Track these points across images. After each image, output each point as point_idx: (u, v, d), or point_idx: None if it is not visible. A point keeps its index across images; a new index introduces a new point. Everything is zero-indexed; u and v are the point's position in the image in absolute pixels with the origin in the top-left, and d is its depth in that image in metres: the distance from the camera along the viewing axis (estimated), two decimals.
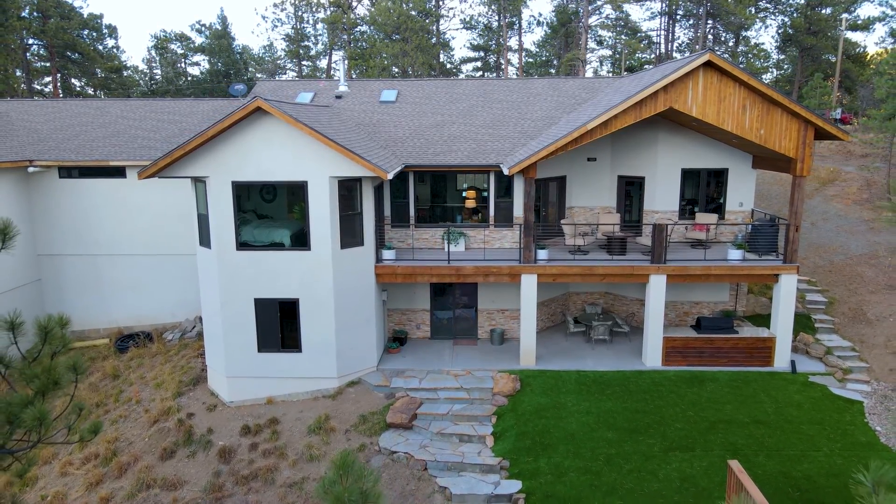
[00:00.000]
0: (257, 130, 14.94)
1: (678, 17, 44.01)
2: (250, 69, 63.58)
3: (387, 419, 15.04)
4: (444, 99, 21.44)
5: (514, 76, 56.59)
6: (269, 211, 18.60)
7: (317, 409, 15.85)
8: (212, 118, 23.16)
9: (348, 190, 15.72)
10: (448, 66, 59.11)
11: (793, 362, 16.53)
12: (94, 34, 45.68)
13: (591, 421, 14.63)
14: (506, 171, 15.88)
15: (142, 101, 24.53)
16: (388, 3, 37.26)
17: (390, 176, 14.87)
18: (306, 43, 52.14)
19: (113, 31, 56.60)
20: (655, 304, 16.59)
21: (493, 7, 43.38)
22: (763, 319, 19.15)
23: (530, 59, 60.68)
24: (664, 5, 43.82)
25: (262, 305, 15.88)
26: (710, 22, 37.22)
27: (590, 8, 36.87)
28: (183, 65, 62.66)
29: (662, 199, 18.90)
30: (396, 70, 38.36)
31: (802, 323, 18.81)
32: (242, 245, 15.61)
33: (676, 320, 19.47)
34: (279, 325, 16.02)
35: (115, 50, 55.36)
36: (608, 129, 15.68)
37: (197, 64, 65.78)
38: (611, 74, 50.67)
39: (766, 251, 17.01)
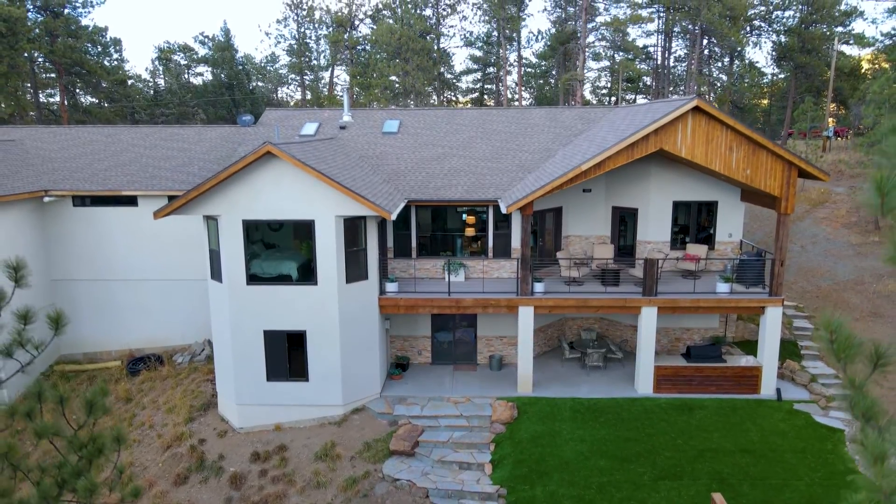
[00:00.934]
0: (267, 172, 15.70)
1: (675, 32, 44.80)
2: (253, 80, 64.41)
3: (390, 446, 15.78)
4: (445, 130, 22.19)
5: (513, 86, 57.43)
6: (276, 239, 19.31)
7: (323, 435, 16.59)
8: (219, 146, 23.94)
9: (353, 227, 16.48)
10: (448, 76, 60.01)
11: (778, 390, 17.28)
12: (100, 49, 46.38)
13: (584, 449, 15.37)
14: (504, 210, 16.64)
15: (151, 129, 25.28)
16: (389, 24, 38.06)
17: (393, 217, 15.64)
18: (309, 54, 52.86)
19: (117, 43, 57.44)
20: (647, 335, 17.33)
21: (492, 24, 44.16)
22: (752, 345, 19.89)
23: (530, 70, 61.54)
24: (661, 23, 44.60)
25: (270, 337, 16.63)
26: (705, 39, 37.96)
27: (588, 27, 37.64)
28: (186, 75, 63.41)
29: (655, 230, 19.65)
30: (397, 84, 39.12)
31: (789, 349, 19.56)
32: (252, 279, 16.37)
33: (668, 346, 20.22)
34: (287, 355, 16.77)
35: (119, 62, 56.16)
36: (602, 170, 16.44)
37: (200, 75, 66.61)
38: (609, 86, 51.34)
39: (753, 283, 17.76)
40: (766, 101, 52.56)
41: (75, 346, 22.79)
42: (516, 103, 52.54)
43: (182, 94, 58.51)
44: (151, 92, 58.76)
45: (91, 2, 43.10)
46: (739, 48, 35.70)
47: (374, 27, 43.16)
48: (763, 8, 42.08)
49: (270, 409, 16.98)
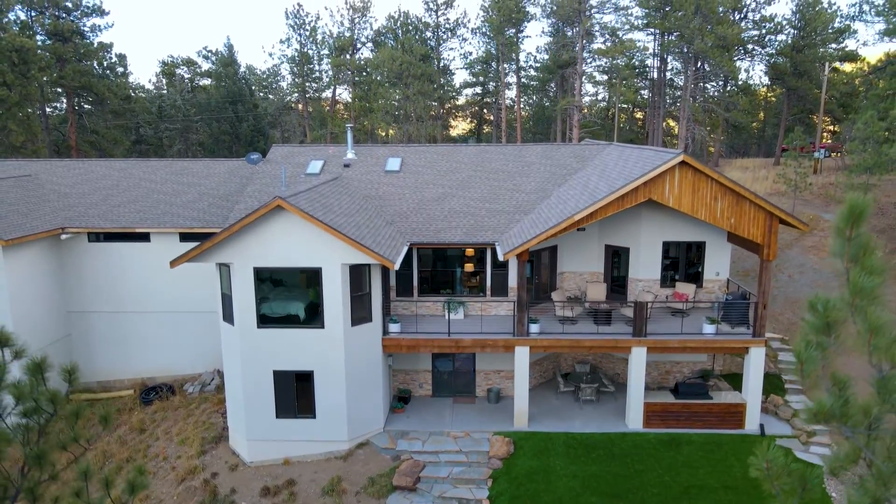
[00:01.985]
0: (277, 222, 16.62)
1: (670, 52, 45.72)
2: (256, 93, 65.30)
3: (393, 482, 16.69)
4: (445, 168, 23.10)
5: (511, 101, 58.34)
6: (285, 277, 20.19)
7: (329, 470, 17.50)
8: (228, 181, 24.87)
9: (358, 273, 17.40)
10: (447, 88, 60.97)
11: (762, 426, 18.19)
12: (106, 66, 47.19)
13: (577, 485, 16.29)
14: (501, 258, 17.56)
15: (161, 163, 26.19)
16: (390, 49, 38.99)
17: (396, 266, 16.58)
18: (311, 72, 53.74)
19: (122, 59, 58.31)
20: (637, 373, 18.25)
21: (492, 45, 45.07)
22: (739, 377, 20.73)
23: (530, 82, 62.48)
24: (656, 44, 45.51)
25: (280, 376, 17.55)
26: (699, 61, 38.86)
27: (584, 55, 38.59)
28: (189, 88, 64.30)
29: (645, 268, 20.57)
30: (398, 109, 40.02)
31: (774, 383, 20.47)
32: (263, 323, 17.28)
33: (659, 378, 21.13)
34: (295, 393, 17.69)
35: (123, 75, 57.00)
36: (594, 219, 17.36)
37: (204, 89, 67.51)
38: (607, 99, 52.00)
39: (738, 323, 18.68)
40: (761, 115, 53.45)
41: (90, 375, 23.71)
42: (515, 109, 53.21)
43: (186, 109, 59.46)
44: (156, 107, 59.64)
45: (99, 26, 43.98)
46: (732, 77, 36.62)
47: (376, 51, 44.10)
48: (756, 32, 43.03)
49: (279, 443, 17.89)
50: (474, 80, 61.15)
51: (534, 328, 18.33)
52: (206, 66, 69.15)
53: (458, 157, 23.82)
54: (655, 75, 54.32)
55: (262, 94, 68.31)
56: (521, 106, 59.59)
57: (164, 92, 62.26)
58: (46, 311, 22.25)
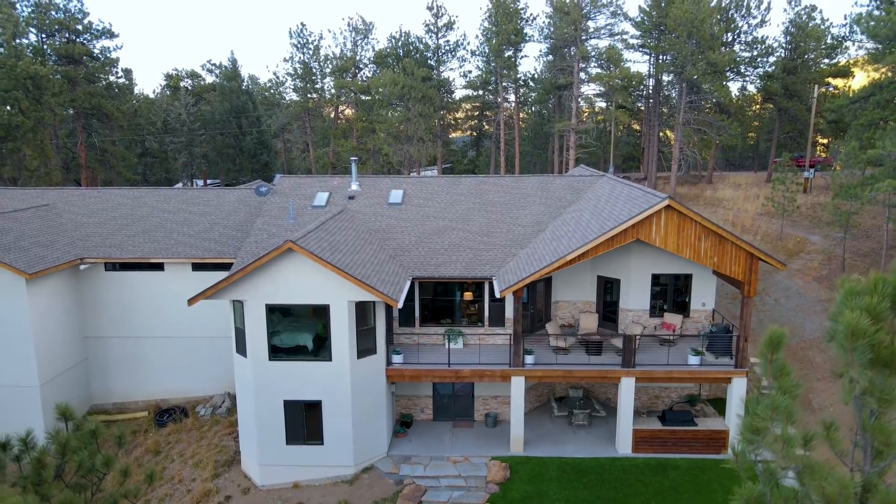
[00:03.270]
0: (288, 263, 17.72)
1: (664, 73, 46.84)
2: (259, 107, 66.42)
3: None
4: (445, 200, 24.21)
5: (510, 107, 59.47)
6: (294, 309, 21.31)
7: (337, 494, 18.60)
8: (238, 210, 25.98)
9: (364, 308, 18.51)
10: (447, 100, 62.08)
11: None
12: (114, 87, 48.29)
13: None
14: (497, 294, 18.69)
15: (174, 192, 27.30)
16: (391, 73, 40.11)
17: (399, 305, 17.69)
18: (314, 88, 54.85)
19: (129, 73, 59.43)
20: (626, 401, 19.36)
21: (491, 66, 46.19)
22: (724, 403, 21.88)
23: (529, 93, 63.60)
24: (651, 65, 46.65)
25: (290, 405, 18.66)
26: (693, 89, 39.93)
27: (581, 77, 39.71)
28: (193, 102, 65.35)
29: (635, 299, 21.67)
30: (400, 129, 41.13)
31: None
32: (274, 355, 18.39)
33: (648, 403, 22.24)
34: (304, 421, 18.80)
35: (129, 90, 58.12)
36: (585, 258, 18.48)
37: (208, 102, 68.61)
38: (601, 123, 53.25)
39: (722, 354, 19.80)
40: (752, 134, 54.56)
41: (105, 397, 24.84)
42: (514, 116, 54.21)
43: (191, 123, 60.59)
44: (161, 120, 60.75)
45: (109, 48, 45.06)
46: (724, 102, 37.72)
47: (378, 72, 45.23)
48: (748, 55, 44.17)
49: (289, 468, 18.99)
50: (474, 93, 62.37)
51: (529, 359, 19.44)
52: (210, 79, 70.36)
53: (458, 190, 24.92)
54: (651, 86, 55.54)
55: (265, 108, 69.46)
56: (521, 116, 60.68)
57: (170, 105, 63.27)
58: (65, 337, 23.36)
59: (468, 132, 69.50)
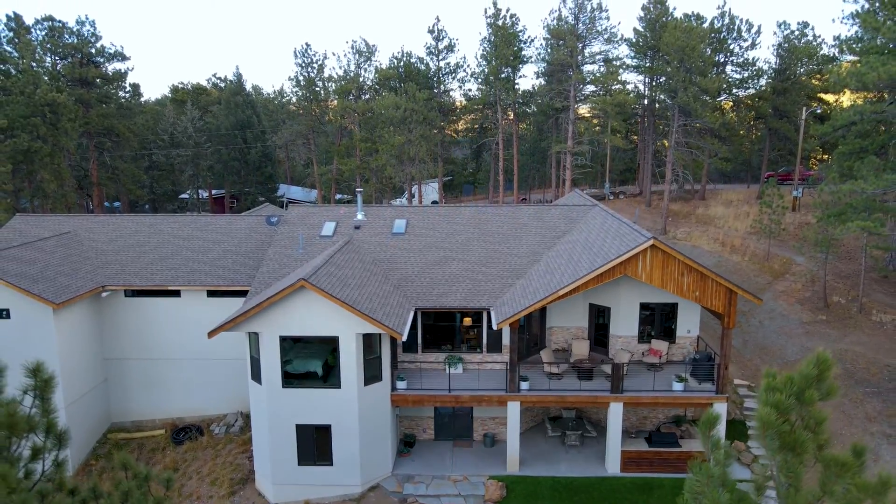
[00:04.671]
0: (300, 298, 19.12)
1: (657, 91, 48.27)
2: (263, 121, 67.86)
3: None
4: (446, 231, 25.61)
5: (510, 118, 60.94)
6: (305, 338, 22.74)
7: None
8: (249, 237, 27.39)
9: (370, 339, 19.92)
10: (449, 117, 63.57)
11: None
12: (123, 105, 49.65)
13: None
14: (495, 327, 20.10)
15: (188, 218, 28.73)
16: (393, 97, 41.56)
17: (404, 337, 19.09)
18: (318, 102, 56.24)
19: (136, 88, 60.83)
20: (615, 424, 20.76)
21: (489, 90, 47.63)
22: None
23: (527, 111, 65.13)
24: (645, 86, 48.10)
25: (301, 429, 20.07)
26: (686, 115, 41.32)
27: (578, 98, 41.14)
28: (200, 116, 66.76)
29: (625, 326, 23.07)
30: (401, 146, 42.48)
31: (738, 429, 22.96)
32: (287, 382, 19.81)
33: (637, 423, 23.63)
34: (315, 443, 20.21)
35: (139, 112, 59.52)
36: (577, 292, 19.90)
37: (213, 115, 69.98)
38: (596, 144, 54.41)
39: (704, 379, 21.21)
40: (746, 147, 55.93)
41: (124, 416, 26.25)
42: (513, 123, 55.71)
43: (197, 137, 62.03)
44: (168, 134, 62.19)
45: (121, 71, 46.44)
46: (714, 126, 39.14)
47: (382, 93, 46.69)
48: (738, 76, 45.61)
49: (301, 487, 20.40)
50: (474, 106, 63.88)
51: (524, 385, 20.85)
52: (215, 93, 71.80)
53: (458, 219, 26.33)
54: (646, 105, 56.93)
55: (270, 122, 70.88)
56: (520, 126, 62.02)
57: (176, 119, 64.65)
58: (87, 359, 24.77)
59: (468, 139, 70.94)
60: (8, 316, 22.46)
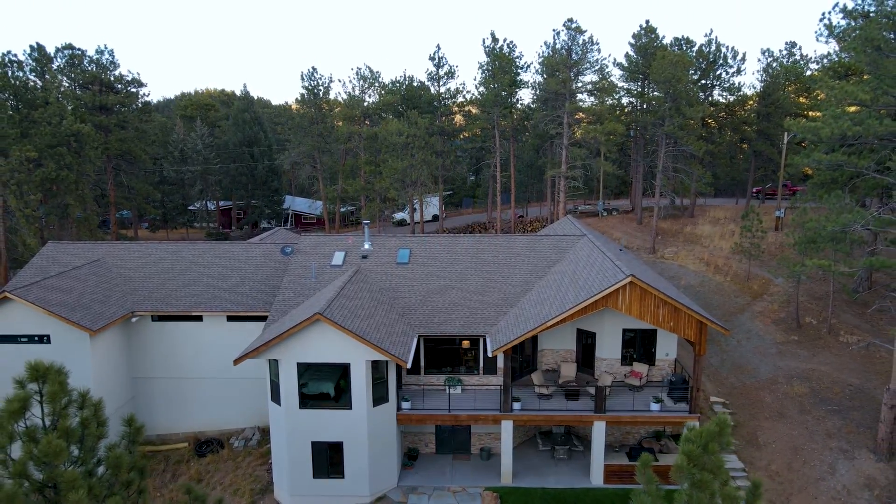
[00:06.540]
0: (315, 330, 21.39)
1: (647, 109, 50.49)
2: (270, 137, 70.20)
3: None
4: (446, 260, 27.89)
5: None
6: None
7: None
8: (264, 264, 29.67)
9: (378, 365, 22.20)
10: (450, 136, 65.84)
11: None
12: (137, 129, 51.87)
13: None
14: (490, 354, 22.39)
15: (206, 245, 31.02)
16: (396, 122, 43.85)
17: (409, 364, 21.38)
18: (323, 124, 58.54)
19: (147, 105, 63.11)
20: (598, 440, 23.04)
21: (486, 115, 49.90)
22: None
23: (524, 121, 67.37)
24: (636, 110, 50.35)
25: (316, 446, 22.35)
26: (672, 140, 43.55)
27: (568, 132, 43.47)
28: (207, 130, 69.05)
29: (609, 349, 25.36)
30: (403, 170, 44.75)
31: None
32: (303, 404, 22.09)
33: (620, 438, 25.88)
34: (328, 459, 22.49)
35: (155, 135, 61.80)
36: (564, 322, 22.18)
37: (222, 130, 72.29)
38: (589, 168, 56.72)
39: (679, 400, 23.48)
40: (732, 165, 58.16)
41: (150, 430, 28.48)
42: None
43: (206, 153, 64.39)
44: (178, 150, 64.51)
45: (139, 95, 48.74)
46: (699, 154, 41.37)
47: (386, 117, 48.99)
48: (724, 101, 47.83)
49: (315, 498, 22.68)
50: (472, 125, 66.17)
51: (516, 406, 23.13)
52: (219, 109, 74.08)
53: (457, 249, 28.60)
54: (635, 127, 59.10)
55: (275, 136, 73.15)
56: (519, 136, 64.21)
57: (186, 136, 66.95)
58: (117, 378, 27.06)
59: (467, 152, 73.18)
60: (49, 341, 24.75)
